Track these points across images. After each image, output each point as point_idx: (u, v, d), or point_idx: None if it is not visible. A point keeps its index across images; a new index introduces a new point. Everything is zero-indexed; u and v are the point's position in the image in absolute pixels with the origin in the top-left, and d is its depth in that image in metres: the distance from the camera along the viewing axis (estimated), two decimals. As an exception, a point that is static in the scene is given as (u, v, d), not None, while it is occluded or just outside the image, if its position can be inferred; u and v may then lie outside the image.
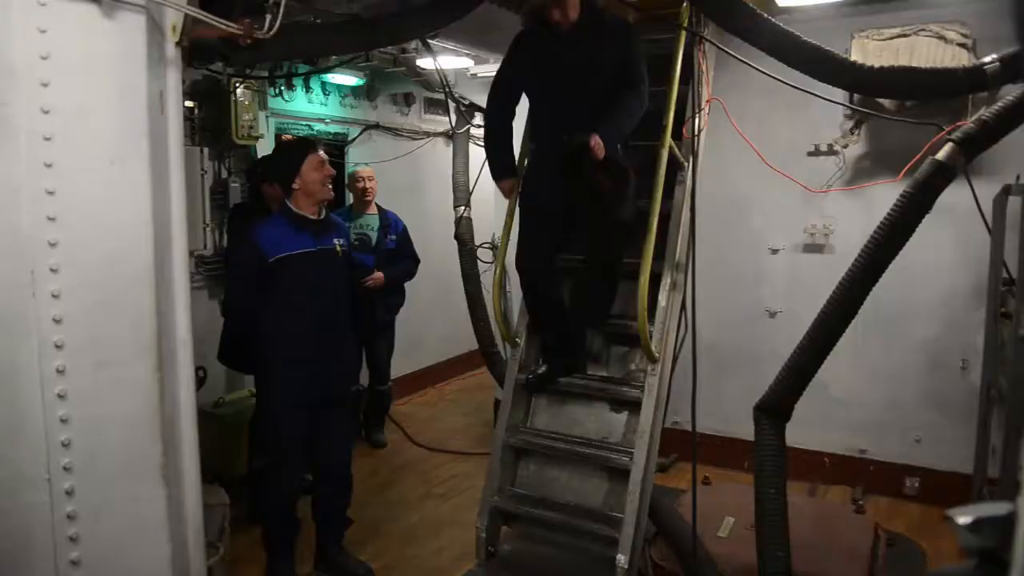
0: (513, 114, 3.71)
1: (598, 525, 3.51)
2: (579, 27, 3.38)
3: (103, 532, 2.18)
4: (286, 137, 5.93)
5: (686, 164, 3.78)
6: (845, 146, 4.73)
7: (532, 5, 3.59)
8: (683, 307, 3.61)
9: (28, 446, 2.05)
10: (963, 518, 1.01)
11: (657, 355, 3.53)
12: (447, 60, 5.33)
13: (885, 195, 3.00)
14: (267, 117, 5.46)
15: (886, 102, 4.12)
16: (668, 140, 3.50)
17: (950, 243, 4.54)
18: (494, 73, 5.89)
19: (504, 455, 3.82)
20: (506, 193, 3.70)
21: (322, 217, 3.74)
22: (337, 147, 6.41)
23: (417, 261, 5.58)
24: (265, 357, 3.70)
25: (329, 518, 3.97)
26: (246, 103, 4.95)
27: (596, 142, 3.14)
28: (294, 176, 3.60)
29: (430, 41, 4.27)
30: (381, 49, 5.26)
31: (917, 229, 2.74)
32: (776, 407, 3.02)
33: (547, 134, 3.57)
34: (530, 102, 3.70)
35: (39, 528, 2.08)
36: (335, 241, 3.79)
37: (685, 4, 3.54)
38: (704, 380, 4.96)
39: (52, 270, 2.04)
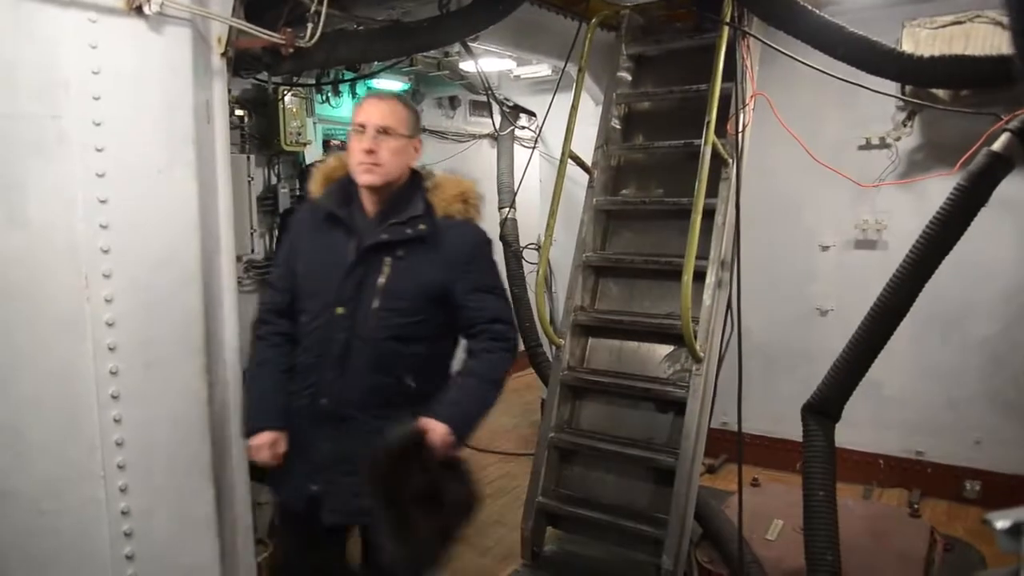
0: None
1: (643, 526, 3.48)
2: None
3: (155, 528, 2.26)
4: (334, 143, 6.05)
5: (730, 160, 3.72)
6: (898, 139, 4.59)
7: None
8: (729, 306, 3.56)
9: (84, 445, 2.14)
10: (1001, 522, 0.99)
11: (702, 355, 3.49)
12: (489, 62, 5.36)
13: (940, 188, 2.90)
14: (315, 124, 5.56)
15: (940, 92, 3.98)
16: (711, 136, 3.45)
17: (1011, 237, 4.36)
18: (537, 74, 5.96)
19: (549, 455, 3.82)
20: (258, 453, 2.24)
21: None
22: (383, 151, 6.50)
23: None
24: None
25: None
26: (294, 110, 5.06)
27: (442, 435, 2.04)
28: None
29: (471, 44, 4.29)
30: (424, 54, 5.33)
31: (975, 223, 2.65)
32: (825, 407, 2.96)
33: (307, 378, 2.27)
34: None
35: (95, 523, 2.17)
36: None
37: (727, -1, 3.49)
38: (753, 380, 4.89)
39: (105, 275, 2.13)
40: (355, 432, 2.14)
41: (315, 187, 2.33)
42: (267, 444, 2.22)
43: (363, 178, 2.16)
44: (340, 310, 2.16)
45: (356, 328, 2.15)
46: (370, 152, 2.13)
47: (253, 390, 2.34)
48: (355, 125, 2.17)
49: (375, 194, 2.20)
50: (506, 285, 5.07)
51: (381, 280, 2.16)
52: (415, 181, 2.29)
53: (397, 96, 2.31)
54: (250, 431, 2.27)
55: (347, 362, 2.16)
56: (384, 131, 2.14)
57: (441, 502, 2.02)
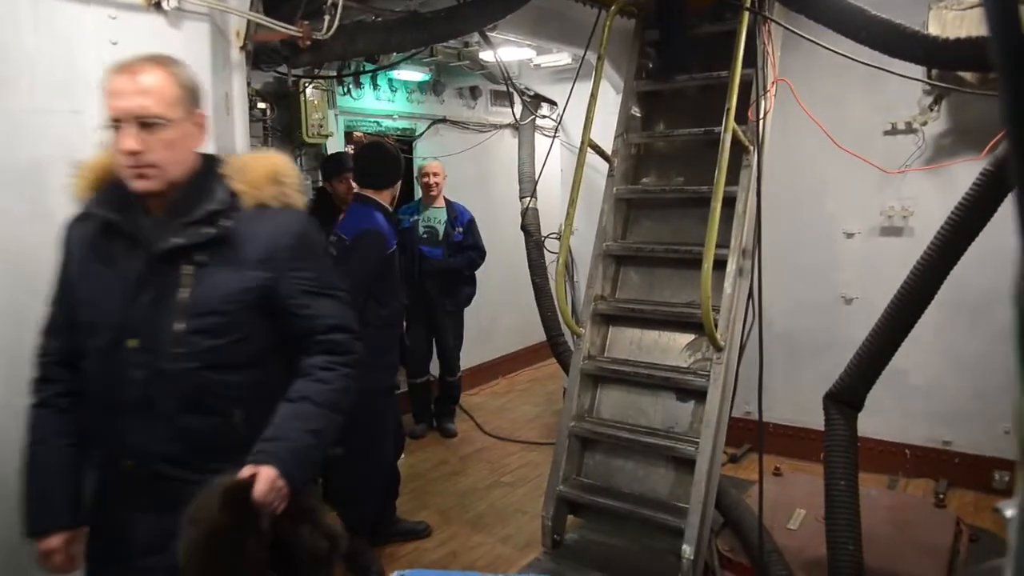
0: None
1: (664, 515, 3.48)
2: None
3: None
4: (357, 135, 6.09)
5: (751, 148, 3.69)
6: (924, 123, 4.50)
7: None
8: (750, 294, 3.53)
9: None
10: (1011, 510, 0.98)
11: (723, 344, 3.47)
12: (509, 51, 5.35)
13: (968, 174, 2.84)
14: (336, 116, 5.60)
15: (968, 75, 3.90)
16: (732, 123, 3.41)
17: (1041, 222, 4.27)
18: (558, 62, 5.94)
19: (570, 444, 3.83)
20: (47, 562, 1.77)
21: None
22: (405, 142, 6.53)
23: (482, 252, 5.64)
24: (371, 345, 3.83)
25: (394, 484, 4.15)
26: (315, 102, 5.10)
27: (270, 482, 1.59)
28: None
29: (490, 34, 4.28)
30: (444, 44, 5.33)
31: (1002, 208, 2.60)
32: (847, 396, 2.93)
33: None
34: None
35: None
36: None
37: (747, -17, 3.45)
38: (777, 369, 4.87)
39: (127, 269, 2.16)
40: (178, 498, 1.60)
41: (82, 190, 1.79)
42: (58, 548, 1.73)
43: (136, 184, 1.66)
44: (132, 343, 1.67)
45: (157, 361, 1.67)
46: (134, 154, 1.62)
47: (32, 479, 1.76)
48: (109, 118, 1.65)
49: (157, 195, 1.71)
50: (530, 274, 5.17)
51: (183, 295, 1.68)
52: (208, 167, 1.78)
53: (154, 61, 1.68)
54: (32, 533, 1.74)
55: (151, 408, 1.68)
56: (146, 123, 1.62)
57: (293, 564, 1.62)
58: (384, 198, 3.82)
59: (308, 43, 2.73)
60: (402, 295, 3.98)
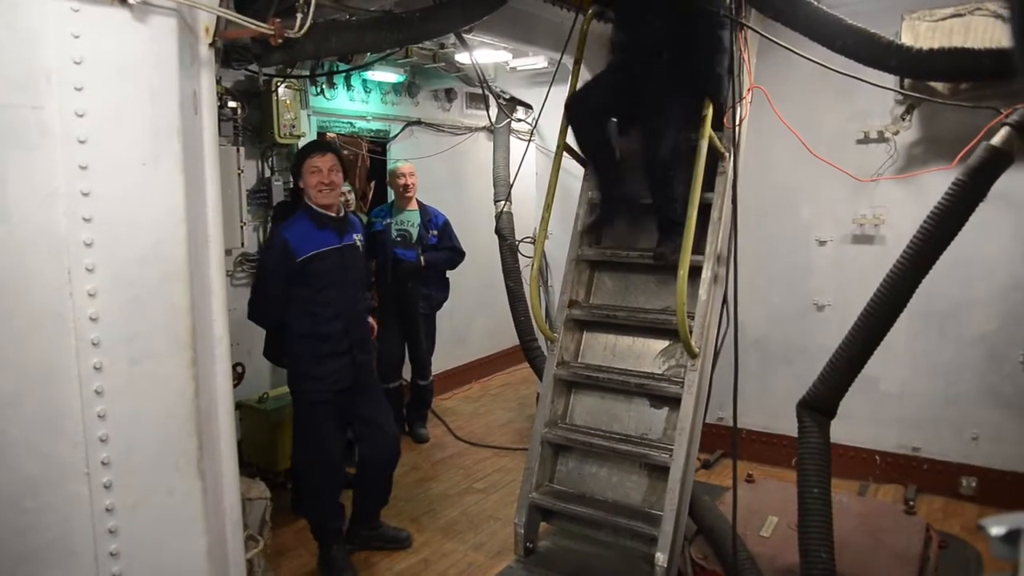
0: None
1: (637, 523, 3.46)
2: None
3: (140, 524, 2.22)
4: (330, 136, 6.01)
5: (727, 154, 3.69)
6: (896, 132, 4.56)
7: None
8: (725, 301, 3.53)
9: (68, 441, 2.10)
10: (996, 528, 0.97)
11: (697, 350, 3.46)
12: (485, 54, 5.31)
13: (939, 183, 2.87)
14: (309, 116, 5.52)
15: (939, 85, 3.94)
16: (708, 130, 3.41)
17: (1009, 232, 4.34)
18: (534, 66, 5.91)
19: (543, 451, 3.79)
20: None
21: (341, 215, 3.84)
22: (379, 144, 6.46)
23: (460, 253, 5.60)
24: (296, 353, 3.77)
25: (380, 485, 4.11)
26: (287, 102, 5.02)
27: None
28: (298, 178, 3.79)
29: (466, 36, 4.24)
30: (420, 45, 5.28)
31: (973, 218, 2.62)
32: (820, 404, 2.93)
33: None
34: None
35: (79, 520, 2.13)
36: (355, 237, 3.90)
37: (724, -10, 3.44)
38: (750, 375, 4.88)
39: (88, 269, 2.09)
40: None
41: None
42: None
43: None
44: None
45: None
46: None
47: None
48: None
49: None
50: (504, 278, 5.13)
51: None
52: None
53: None
54: None
55: None
56: None
57: None
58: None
59: (280, 41, 2.65)
60: (349, 303, 3.83)
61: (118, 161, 2.14)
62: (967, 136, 2.85)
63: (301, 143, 5.22)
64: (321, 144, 4.21)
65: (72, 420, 2.10)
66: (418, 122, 6.63)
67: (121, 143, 2.15)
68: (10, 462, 2.02)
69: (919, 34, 4.04)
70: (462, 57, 5.41)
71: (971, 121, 3.14)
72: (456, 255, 5.62)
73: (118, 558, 2.19)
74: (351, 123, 6.06)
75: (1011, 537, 0.96)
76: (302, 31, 2.67)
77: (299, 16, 2.65)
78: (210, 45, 2.52)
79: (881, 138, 4.63)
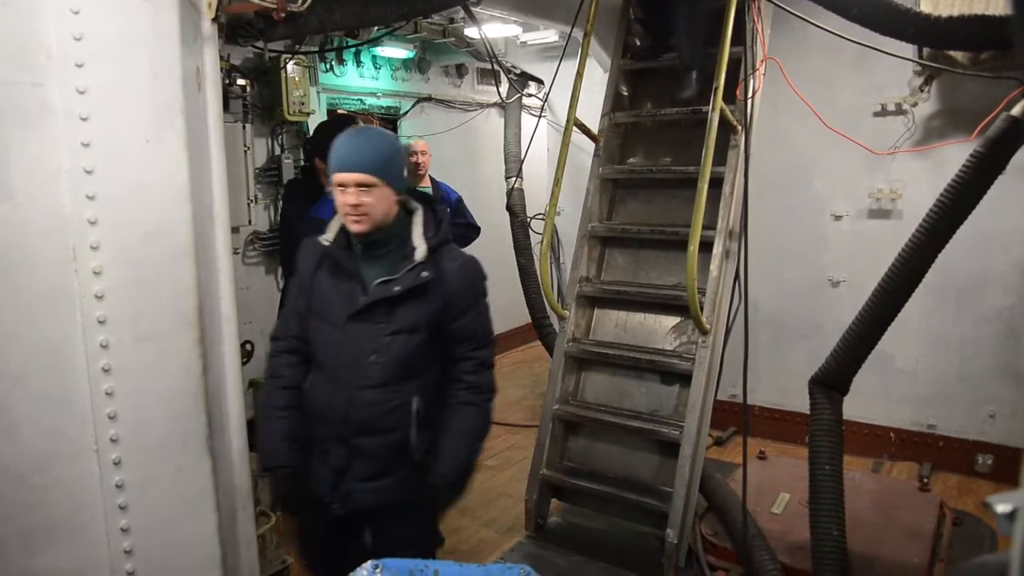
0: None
1: (648, 499, 3.46)
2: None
3: (150, 501, 2.24)
4: (340, 111, 5.97)
5: (739, 128, 3.63)
6: (914, 104, 4.45)
7: None
8: (737, 276, 3.48)
9: (77, 418, 2.12)
10: (1002, 506, 0.94)
11: (708, 327, 3.43)
12: (495, 28, 5.24)
13: (958, 156, 2.80)
14: (318, 93, 5.47)
15: (959, 55, 3.85)
16: (720, 103, 3.35)
17: (1030, 206, 4.24)
18: (545, 40, 5.83)
19: (554, 427, 3.80)
20: None
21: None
22: (389, 120, 6.42)
23: (476, 229, 5.56)
24: None
25: None
26: (296, 79, 4.97)
27: None
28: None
29: (474, 9, 4.18)
30: (429, 20, 5.21)
31: (991, 191, 2.55)
32: (833, 380, 2.90)
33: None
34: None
35: (89, 497, 2.15)
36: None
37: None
38: (763, 352, 4.84)
39: (92, 247, 2.09)
40: None
41: None
42: None
43: None
44: None
45: None
46: None
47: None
48: None
49: None
50: (515, 255, 5.08)
51: None
52: None
53: None
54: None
55: None
56: None
57: None
58: None
59: (283, 15, 2.63)
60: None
61: (121, 138, 2.13)
62: (988, 108, 2.78)
63: (311, 121, 5.19)
64: (350, 118, 4.00)
65: (80, 397, 2.11)
66: (429, 98, 6.57)
67: (124, 120, 2.13)
68: (18, 439, 2.03)
69: (938, 1, 3.93)
70: (471, 31, 5.34)
71: (992, 92, 3.05)
72: (471, 231, 5.57)
73: (129, 533, 2.21)
74: (361, 100, 6.01)
75: (1016, 515, 0.93)
76: (305, 5, 2.64)
77: (302, -10, 2.62)
78: (213, 20, 2.49)
79: (899, 110, 4.53)
